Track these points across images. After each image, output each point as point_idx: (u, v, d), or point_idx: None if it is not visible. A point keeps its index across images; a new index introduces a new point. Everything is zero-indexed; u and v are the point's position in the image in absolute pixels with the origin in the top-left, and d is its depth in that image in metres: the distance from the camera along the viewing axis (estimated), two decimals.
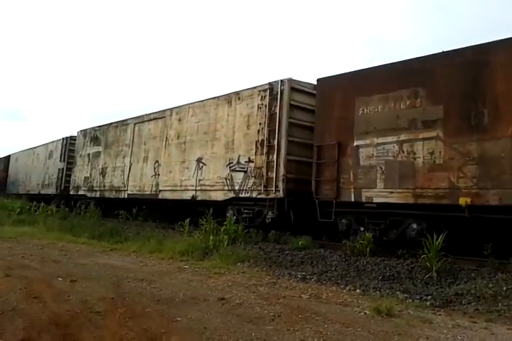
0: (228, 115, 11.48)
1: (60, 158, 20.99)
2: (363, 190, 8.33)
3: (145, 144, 14.93)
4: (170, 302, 5.20)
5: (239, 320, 4.52)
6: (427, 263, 6.65)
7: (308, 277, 7.08)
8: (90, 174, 17.96)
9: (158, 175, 13.85)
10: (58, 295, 5.36)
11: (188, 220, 11.44)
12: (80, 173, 18.78)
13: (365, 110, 8.46)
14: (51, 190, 21.50)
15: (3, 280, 6.07)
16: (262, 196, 10.22)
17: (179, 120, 13.37)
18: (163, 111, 14.34)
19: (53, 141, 22.67)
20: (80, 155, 19.11)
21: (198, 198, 11.99)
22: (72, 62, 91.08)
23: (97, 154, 17.70)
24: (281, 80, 10.26)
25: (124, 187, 15.56)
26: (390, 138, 8.02)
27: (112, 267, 7.57)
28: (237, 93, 11.38)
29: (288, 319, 4.62)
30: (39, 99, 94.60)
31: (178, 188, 12.82)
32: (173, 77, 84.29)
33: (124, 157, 15.96)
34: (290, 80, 10.26)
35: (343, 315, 4.89)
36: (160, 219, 13.94)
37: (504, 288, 5.67)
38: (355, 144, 8.56)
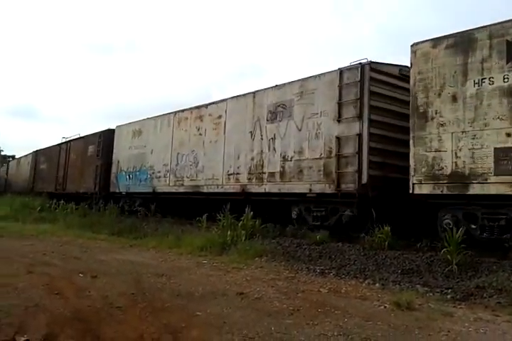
0: None
1: (351, 111, 8.99)
2: None
3: None
4: (189, 297, 5.24)
5: (258, 314, 4.53)
6: (448, 256, 6.56)
7: (326, 271, 7.05)
8: None
9: None
10: (79, 291, 5.43)
11: (205, 216, 11.33)
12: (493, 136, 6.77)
13: None
14: (306, 186, 9.70)
15: (26, 277, 6.16)
16: None
17: None
18: None
19: (291, 82, 10.50)
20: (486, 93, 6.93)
21: None
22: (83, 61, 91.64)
23: None
24: None
25: None
26: None
27: (132, 263, 7.64)
28: None
29: (307, 313, 4.61)
30: (50, 97, 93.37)
31: None
32: (179, 74, 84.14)
33: None
34: None
35: (363, 309, 4.86)
36: None
37: None
38: None
